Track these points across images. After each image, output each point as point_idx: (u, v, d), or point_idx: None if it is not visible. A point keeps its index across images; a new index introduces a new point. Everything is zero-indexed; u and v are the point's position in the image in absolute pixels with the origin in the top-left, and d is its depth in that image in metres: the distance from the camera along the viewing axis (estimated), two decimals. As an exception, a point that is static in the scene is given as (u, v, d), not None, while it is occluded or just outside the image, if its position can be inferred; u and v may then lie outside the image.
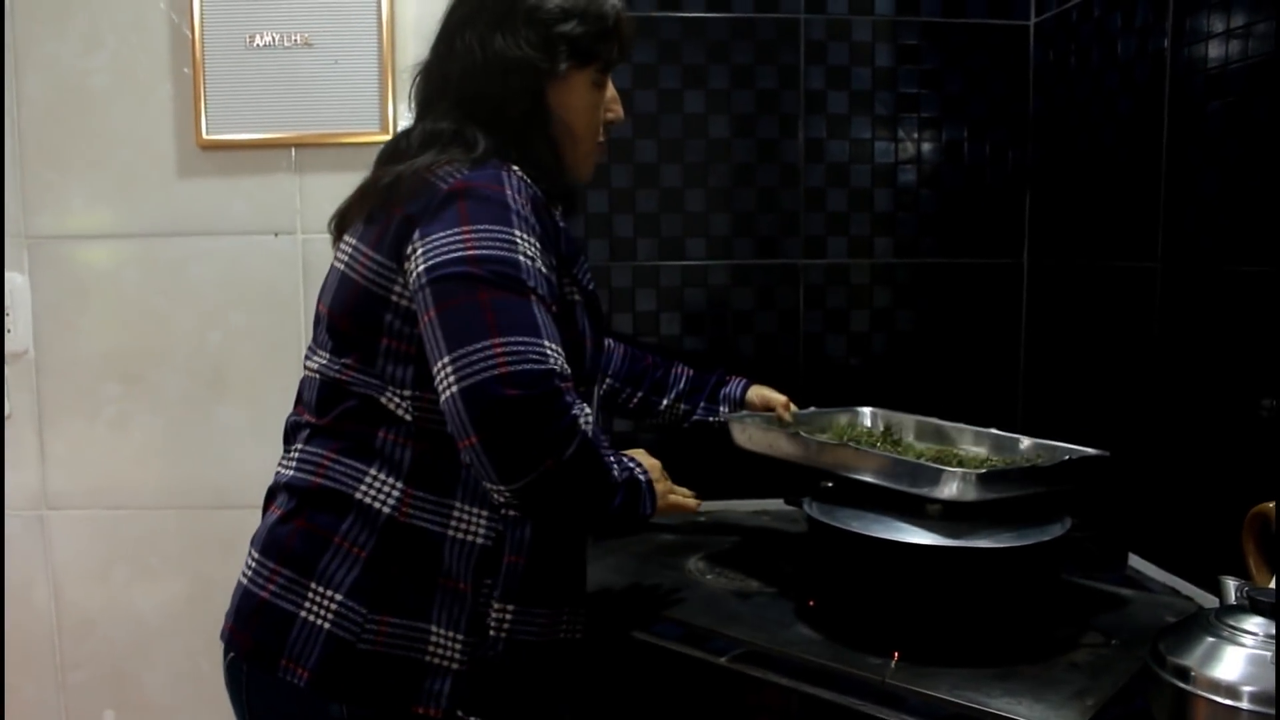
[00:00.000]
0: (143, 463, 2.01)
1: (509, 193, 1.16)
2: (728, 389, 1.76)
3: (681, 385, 1.75)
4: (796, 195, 2.05)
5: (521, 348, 1.07)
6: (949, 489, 1.35)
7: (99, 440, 2.00)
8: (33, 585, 2.01)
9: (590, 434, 1.11)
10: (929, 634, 1.33)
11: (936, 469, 1.38)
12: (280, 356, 1.97)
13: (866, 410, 1.84)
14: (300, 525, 1.21)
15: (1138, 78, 1.69)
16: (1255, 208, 1.42)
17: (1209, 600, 1.50)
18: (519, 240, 1.14)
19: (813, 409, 1.80)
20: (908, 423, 1.79)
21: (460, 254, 1.11)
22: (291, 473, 1.25)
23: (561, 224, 1.26)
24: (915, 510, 1.42)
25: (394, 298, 1.18)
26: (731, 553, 1.74)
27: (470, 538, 1.20)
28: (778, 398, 1.75)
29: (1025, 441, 1.64)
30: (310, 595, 1.18)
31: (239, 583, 1.26)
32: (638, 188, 2.03)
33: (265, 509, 1.29)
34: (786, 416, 1.72)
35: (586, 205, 2.01)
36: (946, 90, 2.06)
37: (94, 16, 1.93)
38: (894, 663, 1.29)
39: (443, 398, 1.08)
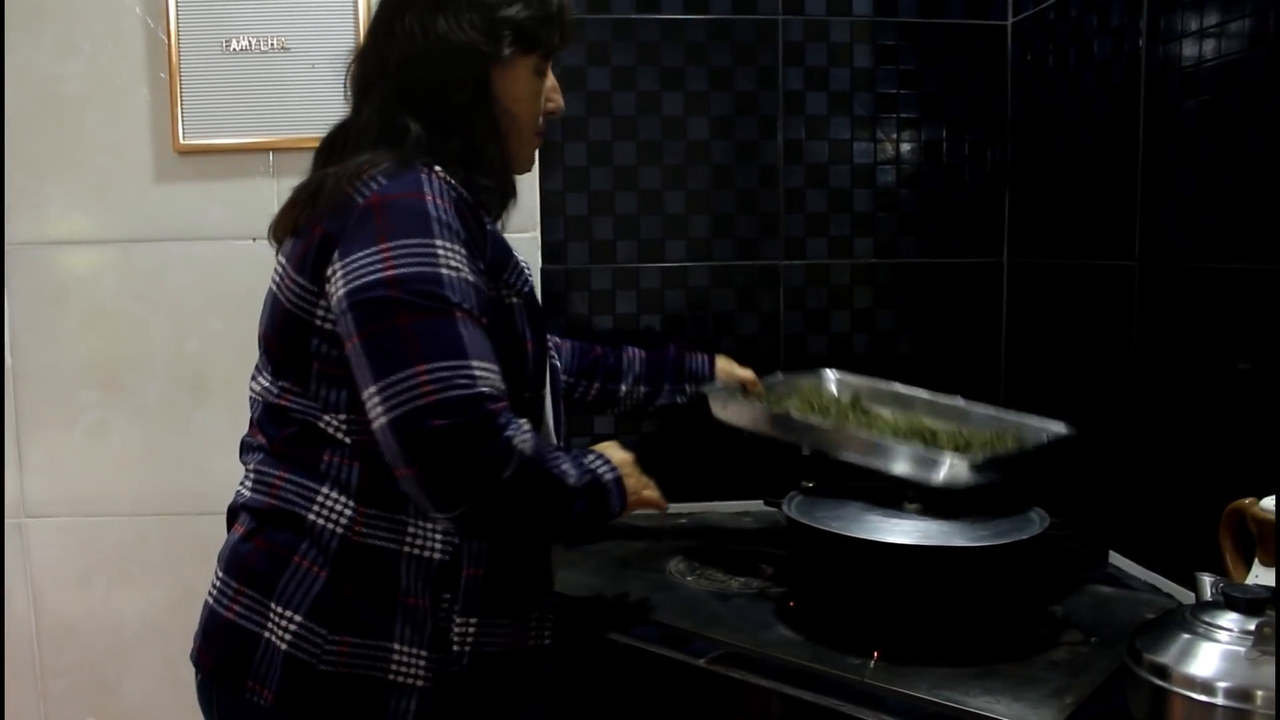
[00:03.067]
0: (122, 470, 2.00)
1: (430, 199, 1.11)
2: (693, 365, 1.71)
3: (637, 368, 1.69)
4: (776, 196, 2.05)
5: (447, 373, 1.03)
6: (943, 475, 1.38)
7: (78, 447, 1.99)
8: (12, 594, 2.00)
9: (530, 451, 1.07)
10: (908, 633, 1.34)
11: (933, 455, 1.40)
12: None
13: (831, 374, 1.85)
14: (260, 545, 1.20)
15: (1114, 77, 1.70)
16: (1231, 205, 1.43)
17: (1189, 597, 1.50)
18: (441, 252, 1.09)
19: (780, 375, 1.82)
20: (869, 390, 1.81)
21: (379, 275, 1.07)
22: (249, 493, 1.24)
23: (490, 225, 1.23)
24: (895, 510, 1.43)
25: (318, 321, 1.15)
26: (711, 554, 1.74)
27: (426, 553, 1.17)
28: (745, 374, 1.74)
29: (986, 409, 1.68)
30: (271, 616, 1.16)
31: (206, 602, 1.24)
32: (617, 190, 2.03)
33: (229, 527, 1.27)
34: (759, 391, 1.73)
35: (565, 208, 2.01)
36: (925, 90, 2.06)
37: (69, 22, 1.92)
38: (873, 662, 1.29)
39: (374, 427, 1.05)
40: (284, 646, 1.14)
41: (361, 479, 1.17)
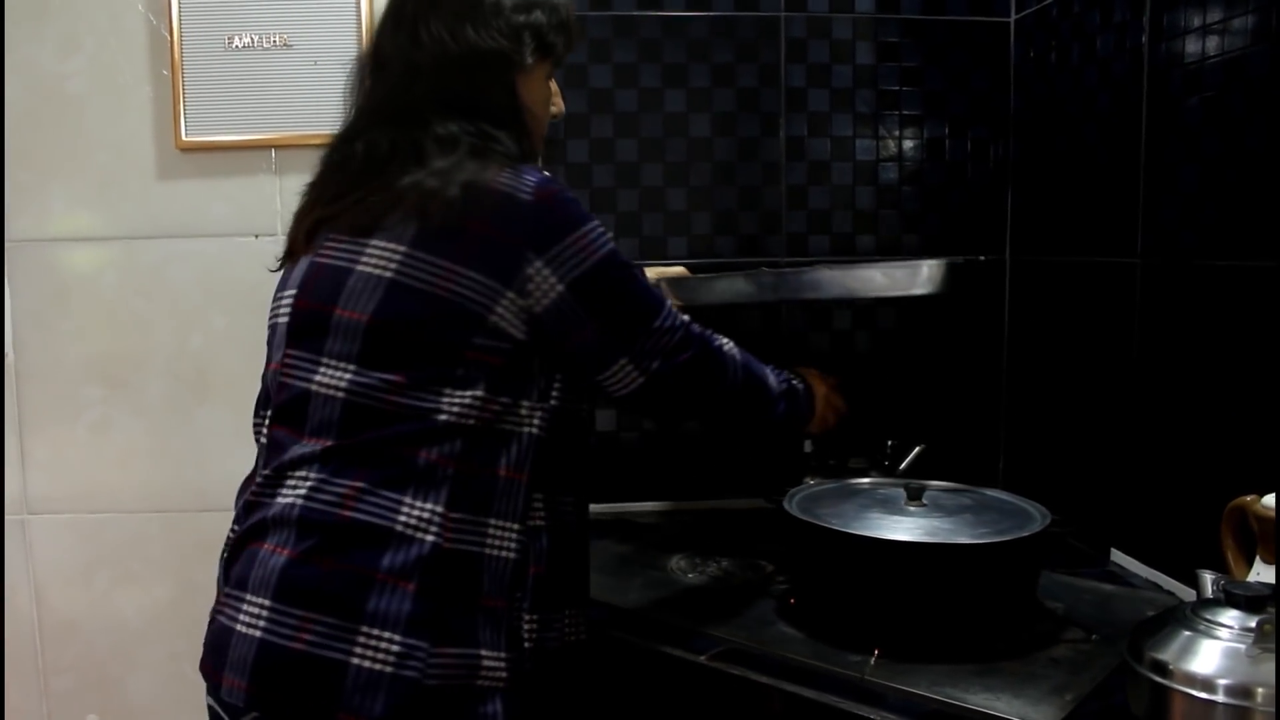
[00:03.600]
0: (124, 466, 2.00)
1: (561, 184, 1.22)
2: None
3: None
4: (778, 193, 2.05)
5: (672, 319, 1.25)
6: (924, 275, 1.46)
7: (80, 444, 2.00)
8: (15, 590, 2.01)
9: (740, 355, 1.35)
10: (909, 630, 1.33)
11: (913, 263, 1.48)
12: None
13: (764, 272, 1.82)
14: (331, 566, 1.11)
15: (1116, 73, 1.70)
16: (1233, 203, 1.43)
17: (1190, 594, 1.50)
18: (605, 230, 1.21)
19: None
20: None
21: (593, 259, 1.18)
22: (300, 504, 1.14)
23: None
24: (896, 507, 1.43)
25: (494, 317, 1.14)
26: (712, 551, 1.74)
27: (504, 554, 1.16)
28: (676, 269, 1.84)
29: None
30: (361, 639, 1.08)
31: (240, 632, 1.12)
32: (619, 187, 2.03)
33: (248, 542, 1.18)
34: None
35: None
36: (927, 87, 2.06)
37: (72, 19, 1.93)
38: (874, 659, 1.29)
39: (625, 392, 1.23)
40: (388, 669, 1.08)
41: (453, 481, 1.14)
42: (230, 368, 1.98)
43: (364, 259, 1.17)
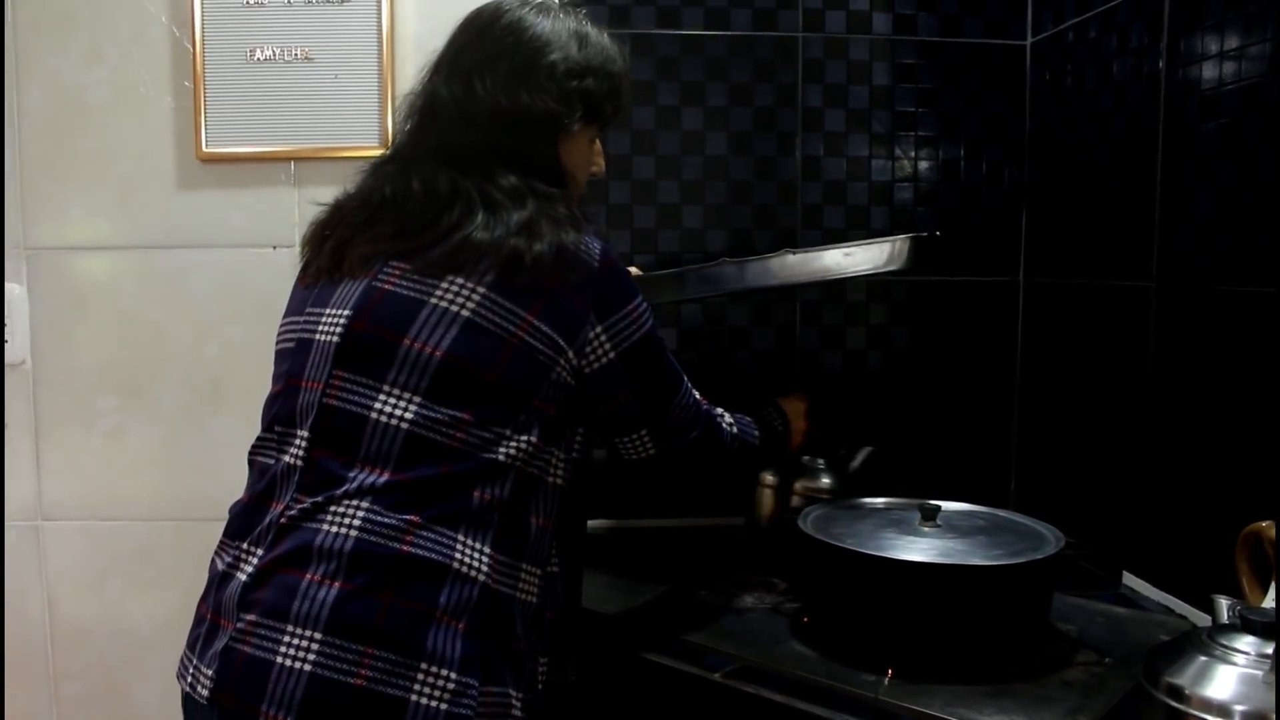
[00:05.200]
0: (138, 474, 2.01)
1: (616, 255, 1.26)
2: None
3: None
4: (794, 212, 2.06)
5: (690, 396, 1.34)
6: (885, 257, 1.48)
7: (95, 451, 2.01)
8: (27, 596, 2.01)
9: (735, 429, 1.44)
10: (923, 651, 1.33)
11: (878, 241, 1.48)
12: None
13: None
14: (389, 600, 1.09)
15: (1133, 98, 1.70)
16: (1249, 228, 1.43)
17: (1202, 619, 1.50)
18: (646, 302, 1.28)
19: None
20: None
21: (640, 333, 1.24)
22: (354, 535, 1.11)
23: None
24: (910, 527, 1.43)
25: (556, 371, 1.18)
26: (725, 569, 1.74)
27: (530, 598, 1.19)
28: (631, 268, 1.77)
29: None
30: (420, 677, 1.07)
31: (283, 665, 1.07)
32: (635, 203, 2.04)
33: (281, 568, 1.13)
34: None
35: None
36: (943, 109, 2.07)
37: (96, 30, 1.94)
38: (888, 679, 1.29)
39: (638, 456, 1.33)
40: (444, 706, 1.07)
41: (500, 523, 1.15)
42: (245, 378, 1.99)
43: (438, 293, 1.16)
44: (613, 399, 1.25)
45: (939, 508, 1.47)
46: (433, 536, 1.12)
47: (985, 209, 2.09)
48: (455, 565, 1.11)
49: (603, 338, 1.21)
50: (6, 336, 1.96)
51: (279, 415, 1.24)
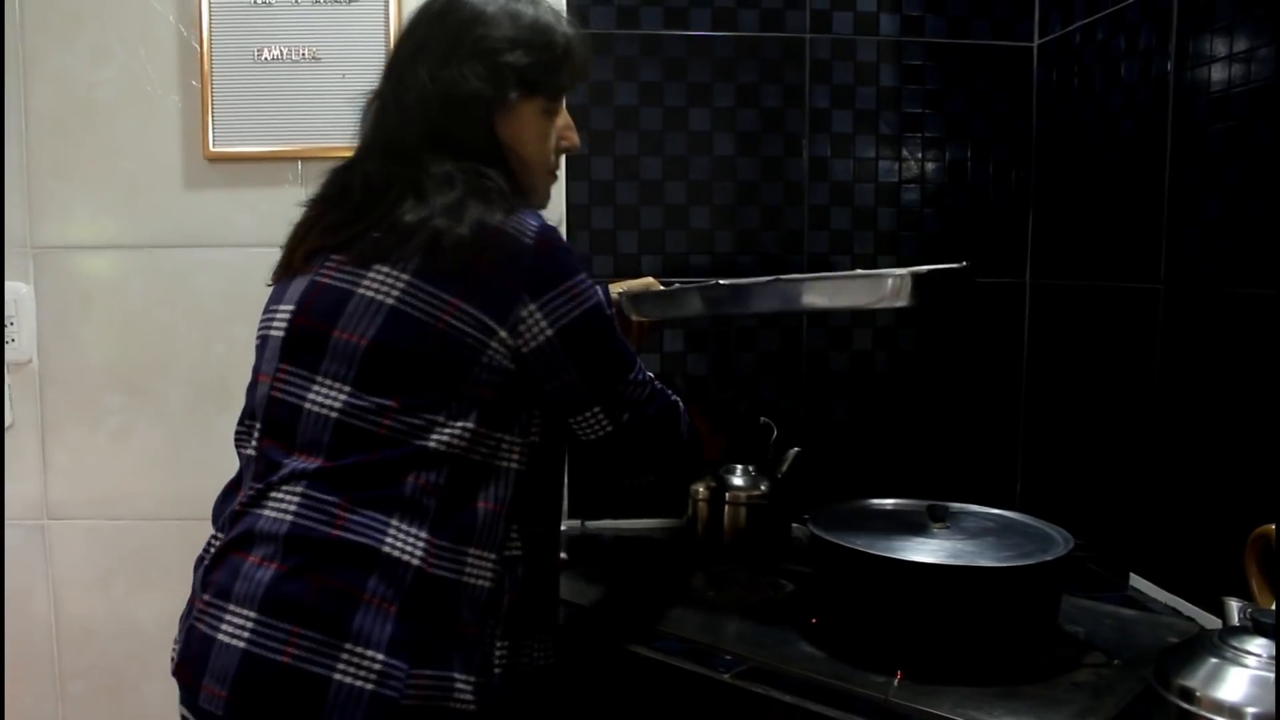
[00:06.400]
0: (144, 474, 2.01)
1: (557, 233, 1.24)
2: None
3: None
4: (800, 213, 2.06)
5: (642, 373, 1.31)
6: (886, 294, 1.36)
7: (101, 450, 2.01)
8: (32, 595, 2.01)
9: (681, 406, 1.39)
10: (932, 652, 1.33)
11: (877, 275, 1.37)
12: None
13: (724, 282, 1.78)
14: (319, 582, 1.13)
15: (1140, 100, 1.71)
16: (1258, 231, 1.43)
17: (1210, 621, 1.50)
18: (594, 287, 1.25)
19: (676, 284, 1.75)
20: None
21: (580, 310, 1.21)
22: (289, 520, 1.16)
23: None
24: (919, 529, 1.43)
25: (488, 354, 1.18)
26: (734, 570, 1.74)
27: (481, 583, 1.19)
28: (643, 280, 1.76)
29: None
30: (344, 656, 1.10)
31: (222, 643, 1.13)
32: (643, 204, 2.04)
33: (231, 552, 1.19)
34: (658, 286, 1.72)
35: (591, 221, 2.02)
36: (950, 110, 2.07)
37: (103, 29, 1.94)
38: (897, 681, 1.29)
39: (596, 436, 1.28)
40: (369, 686, 1.10)
41: (437, 508, 1.17)
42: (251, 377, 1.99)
43: (365, 283, 1.19)
44: (555, 378, 1.22)
45: (948, 509, 1.47)
46: (364, 521, 1.15)
47: (992, 210, 2.09)
48: (386, 550, 1.14)
49: (538, 315, 1.19)
50: (11, 336, 1.96)
51: (246, 408, 1.33)
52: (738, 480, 1.85)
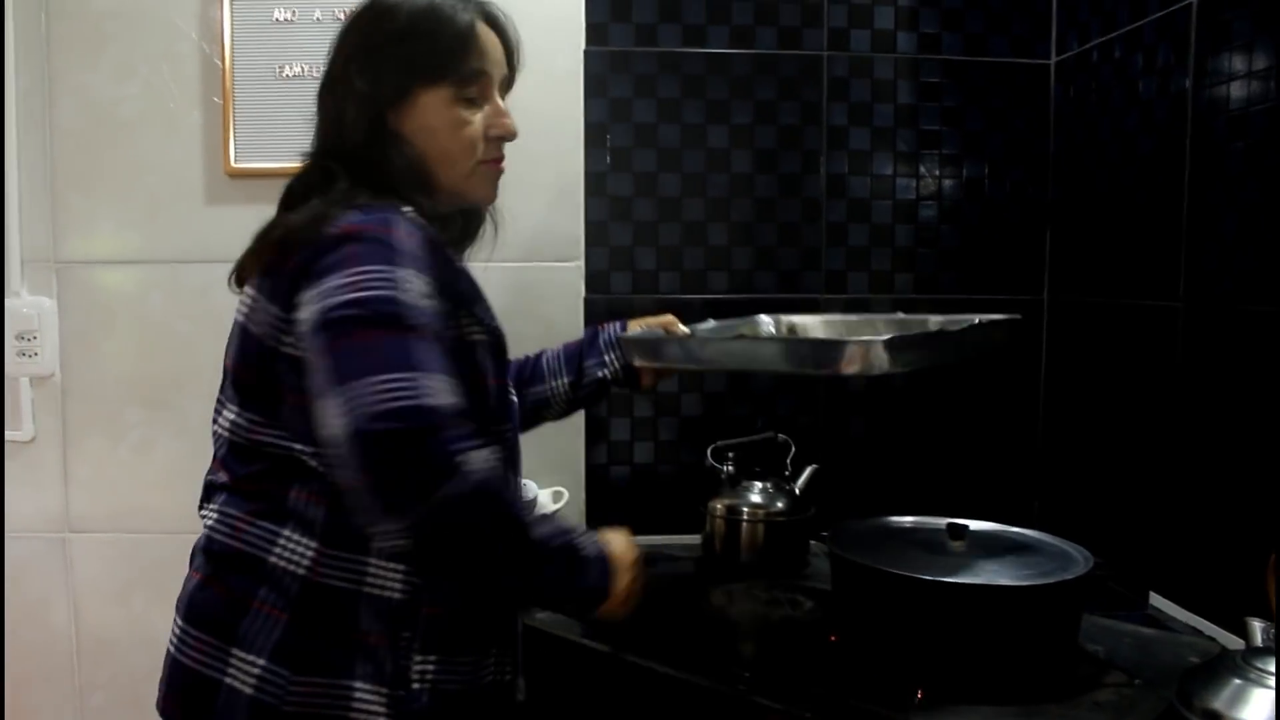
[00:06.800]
0: (165, 487, 2.02)
1: (397, 233, 1.13)
2: (608, 333, 1.63)
3: (554, 364, 1.63)
4: (818, 230, 2.07)
5: (397, 384, 1.01)
6: (855, 362, 1.29)
7: (122, 464, 2.02)
8: (53, 607, 2.03)
9: (484, 478, 1.03)
10: (952, 671, 1.33)
11: (838, 341, 1.32)
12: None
13: (765, 318, 1.80)
14: (219, 591, 1.19)
15: (1158, 117, 1.71)
16: (1277, 248, 1.43)
17: (1231, 640, 1.50)
18: (401, 277, 1.09)
19: (710, 322, 1.75)
20: (812, 323, 1.80)
21: (345, 297, 1.07)
22: (208, 535, 1.24)
23: (459, 263, 1.28)
24: (939, 547, 1.43)
25: (285, 349, 1.15)
26: (752, 587, 1.74)
27: (386, 593, 1.17)
28: (664, 318, 1.66)
29: (934, 318, 1.62)
30: (232, 661, 1.15)
31: (167, 650, 1.23)
32: (661, 221, 2.04)
33: (190, 568, 1.27)
34: (679, 330, 1.64)
35: (610, 238, 2.04)
36: (967, 128, 2.08)
37: (127, 47, 1.97)
38: (917, 699, 1.29)
39: (325, 435, 1.03)
40: (248, 690, 1.13)
41: (326, 518, 1.16)
42: (272, 392, 2.00)
43: (239, 307, 1.24)
44: (310, 370, 1.08)
45: (967, 527, 1.47)
46: (258, 532, 1.18)
47: (1009, 227, 2.09)
48: (272, 560, 1.16)
49: (309, 299, 1.09)
50: (35, 350, 1.98)
51: None
52: (755, 497, 1.85)
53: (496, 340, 1.27)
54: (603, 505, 2.08)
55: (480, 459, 1.03)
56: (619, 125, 2.02)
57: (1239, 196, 1.51)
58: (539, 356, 1.66)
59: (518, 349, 2.03)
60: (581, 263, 2.04)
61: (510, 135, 1.34)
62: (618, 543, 1.23)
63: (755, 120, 2.05)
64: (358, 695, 1.15)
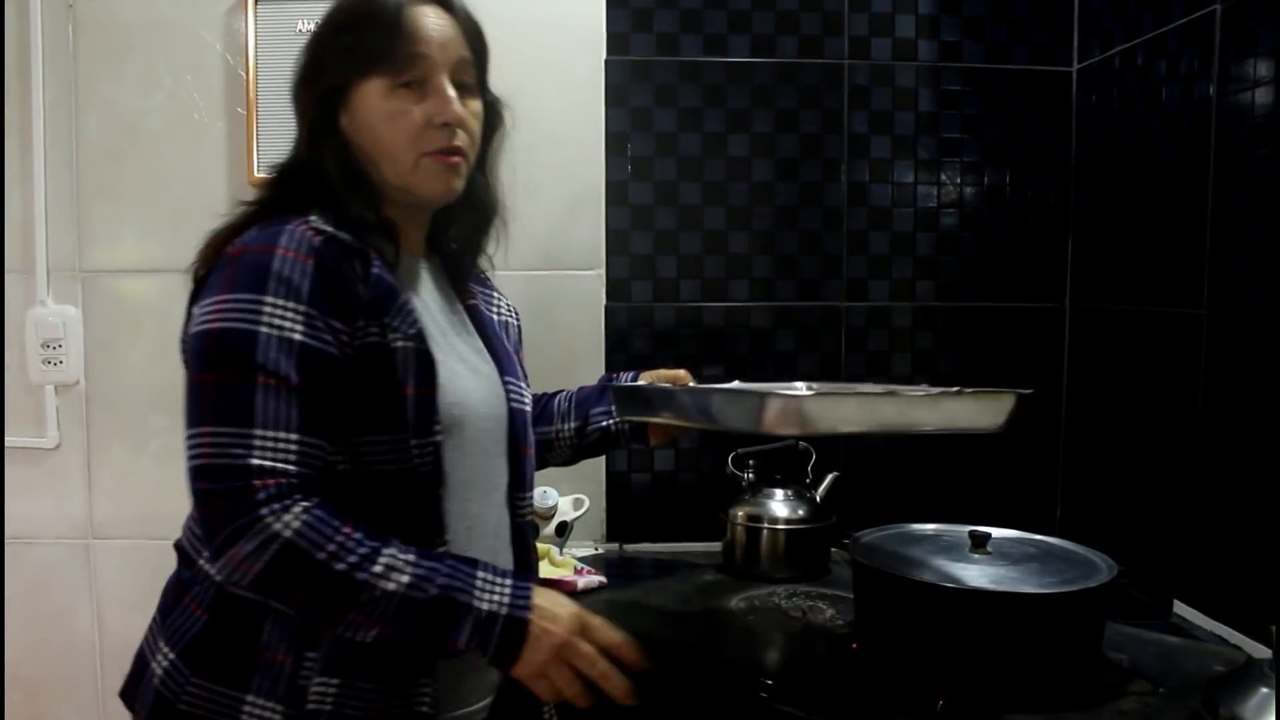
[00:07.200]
0: (188, 494, 2.02)
1: (280, 253, 1.09)
2: (618, 381, 1.56)
3: (565, 406, 1.54)
4: (839, 238, 2.07)
5: (224, 439, 1.03)
6: (770, 415, 1.18)
7: (145, 471, 2.03)
8: (77, 613, 2.04)
9: (291, 540, 1.02)
10: (974, 679, 1.32)
11: (757, 393, 1.23)
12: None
13: (801, 385, 1.69)
14: (172, 581, 1.23)
15: (1182, 124, 1.70)
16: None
17: (1255, 648, 1.48)
18: (267, 309, 1.06)
19: (736, 383, 1.74)
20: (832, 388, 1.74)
21: (206, 326, 1.07)
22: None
23: (375, 270, 1.15)
24: (961, 554, 1.43)
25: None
26: (774, 594, 1.74)
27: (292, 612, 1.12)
28: (675, 372, 1.55)
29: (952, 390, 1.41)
30: (161, 647, 1.17)
31: None
32: (682, 229, 2.05)
33: None
34: (689, 380, 1.54)
35: (630, 246, 2.04)
36: (988, 136, 2.08)
37: (152, 58, 1.99)
38: (939, 708, 1.28)
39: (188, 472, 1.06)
40: (155, 681, 1.16)
41: None
42: (294, 399, 2.01)
43: None
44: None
45: (989, 535, 1.46)
46: (196, 532, 1.18)
47: (1031, 234, 2.09)
48: (202, 560, 1.17)
49: (193, 320, 1.11)
50: (59, 358, 1.99)
51: None
52: (776, 505, 1.85)
53: (420, 349, 1.16)
54: (623, 512, 2.08)
55: (287, 520, 1.02)
56: (640, 134, 2.03)
57: (1264, 203, 1.51)
58: (553, 397, 1.57)
59: (539, 357, 2.04)
60: (603, 271, 2.05)
61: (455, 119, 1.21)
62: (547, 601, 1.13)
63: (776, 129, 2.05)
64: (247, 709, 1.12)
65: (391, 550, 1.06)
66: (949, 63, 2.06)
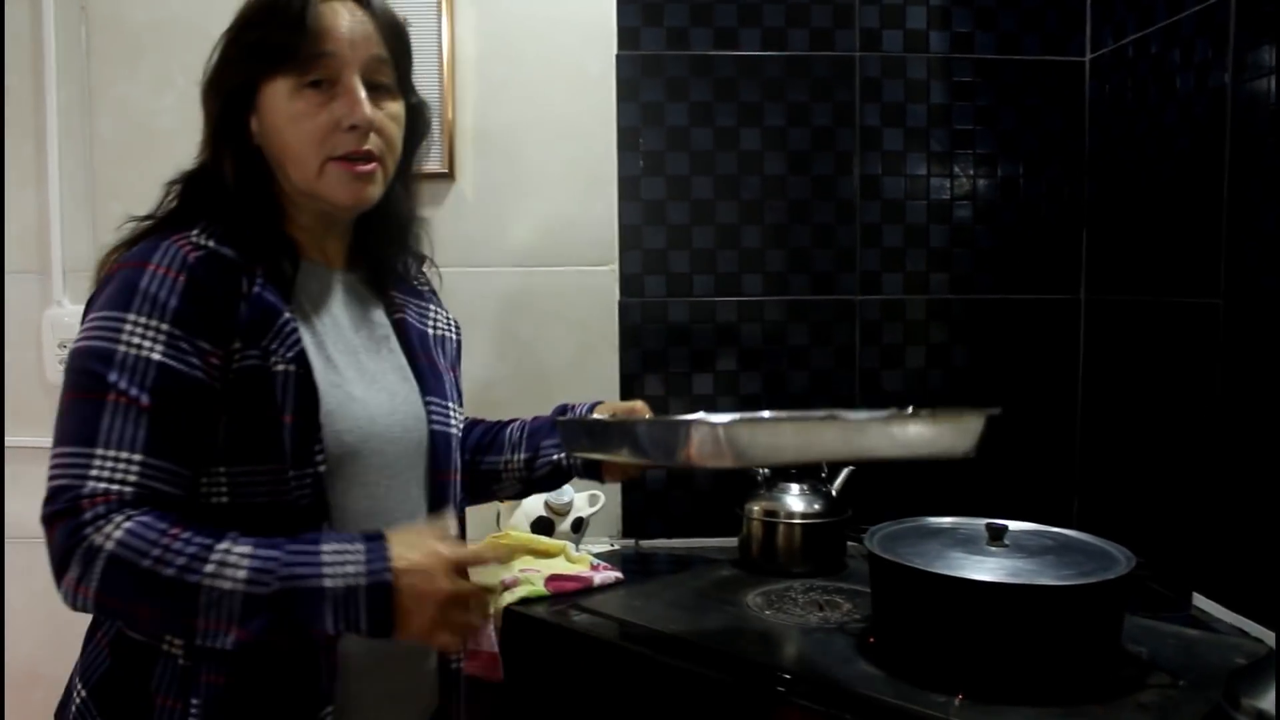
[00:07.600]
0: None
1: (151, 269, 1.05)
2: (573, 413, 1.49)
3: (515, 437, 1.46)
4: (852, 231, 2.06)
5: (66, 460, 1.01)
6: (694, 447, 1.10)
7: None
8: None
9: (114, 552, 0.97)
10: (993, 672, 1.32)
11: (678, 423, 1.19)
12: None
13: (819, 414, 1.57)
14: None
15: (1197, 113, 1.69)
16: (1321, 244, 1.42)
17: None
18: (127, 327, 1.03)
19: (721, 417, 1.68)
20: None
21: (76, 345, 1.05)
22: None
23: (258, 289, 1.09)
24: (978, 547, 1.42)
25: None
26: (791, 588, 1.74)
27: (174, 653, 1.07)
28: (635, 404, 1.47)
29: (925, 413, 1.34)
30: (75, 683, 1.14)
31: None
32: (695, 224, 2.05)
33: None
34: (646, 412, 1.47)
35: (643, 241, 2.04)
36: (1001, 127, 2.07)
37: (164, 58, 2.00)
38: (958, 701, 1.28)
39: None
40: (71, 708, 1.13)
41: None
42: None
43: None
44: None
45: (1006, 527, 1.45)
46: None
47: (1045, 226, 2.08)
48: None
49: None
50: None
51: None
52: (792, 499, 1.85)
53: (301, 372, 1.09)
54: (639, 508, 2.08)
55: (107, 532, 0.98)
56: (651, 129, 2.03)
57: (1279, 193, 1.50)
58: (505, 426, 1.49)
59: (553, 352, 2.05)
60: (616, 266, 2.05)
61: (364, 122, 1.13)
62: (412, 557, 1.03)
63: (788, 122, 2.05)
64: None
65: (224, 545, 0.99)
66: (961, 54, 2.05)
